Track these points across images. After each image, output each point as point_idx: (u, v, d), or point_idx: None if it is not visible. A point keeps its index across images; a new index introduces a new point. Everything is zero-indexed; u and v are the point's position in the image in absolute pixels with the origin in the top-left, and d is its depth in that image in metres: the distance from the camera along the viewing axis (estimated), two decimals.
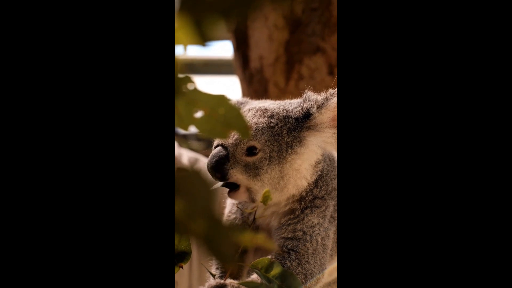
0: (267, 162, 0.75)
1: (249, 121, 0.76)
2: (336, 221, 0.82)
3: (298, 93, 1.44)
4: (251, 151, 0.75)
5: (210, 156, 0.75)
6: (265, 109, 0.78)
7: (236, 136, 0.75)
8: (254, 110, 0.79)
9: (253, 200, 0.77)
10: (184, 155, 1.56)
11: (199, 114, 0.57)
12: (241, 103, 0.85)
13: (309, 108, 0.77)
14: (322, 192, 0.81)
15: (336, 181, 0.83)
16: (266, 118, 0.77)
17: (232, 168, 0.74)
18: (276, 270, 0.70)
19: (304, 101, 0.78)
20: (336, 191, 0.83)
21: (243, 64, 1.49)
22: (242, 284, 0.70)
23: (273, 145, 0.76)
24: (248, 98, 0.89)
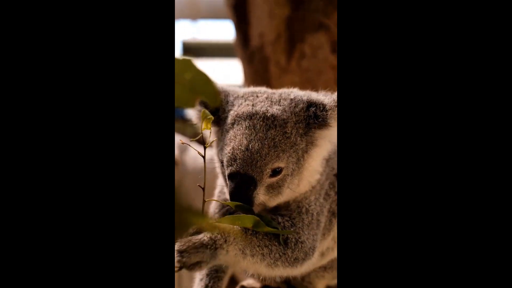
0: (289, 178, 0.71)
1: (263, 138, 0.68)
2: (331, 199, 0.79)
3: (300, 73, 1.39)
4: (276, 172, 0.69)
5: (232, 188, 0.68)
6: (273, 116, 0.70)
7: (259, 162, 0.67)
8: (259, 118, 0.70)
9: (261, 206, 0.73)
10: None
11: None
12: (226, 91, 0.78)
13: (326, 119, 0.71)
14: (322, 179, 0.78)
15: (332, 160, 0.80)
16: (279, 129, 0.69)
17: (257, 194, 0.69)
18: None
19: (317, 107, 0.71)
20: (333, 170, 0.80)
21: (243, 43, 1.44)
22: (219, 221, 0.65)
23: (293, 158, 0.70)
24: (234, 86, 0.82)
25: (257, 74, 1.41)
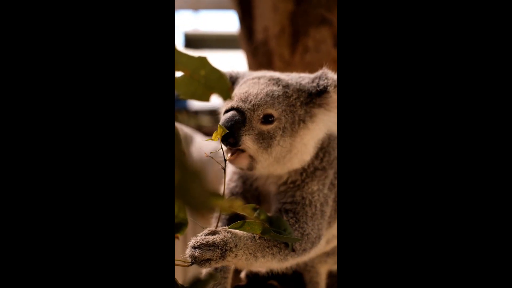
0: (280, 133, 0.73)
1: (262, 88, 0.74)
2: (336, 189, 0.82)
3: (303, 66, 1.43)
4: (267, 119, 0.73)
5: (224, 119, 0.71)
6: (278, 78, 0.77)
7: (253, 102, 0.72)
8: (265, 78, 0.76)
9: (251, 169, 0.76)
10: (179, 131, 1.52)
11: (180, 76, 0.57)
12: (237, 73, 0.84)
13: (327, 86, 0.76)
14: (324, 164, 0.81)
15: (336, 151, 0.83)
16: (281, 87, 0.75)
17: (246, 135, 0.72)
18: (263, 216, 0.68)
19: (320, 78, 0.77)
20: (336, 161, 0.83)
21: (248, 36, 1.47)
22: (231, 227, 0.69)
23: (288, 116, 0.74)
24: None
25: (261, 67, 1.44)
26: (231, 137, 0.70)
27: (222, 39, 3.46)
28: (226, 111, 0.73)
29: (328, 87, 0.75)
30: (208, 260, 0.66)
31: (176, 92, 0.57)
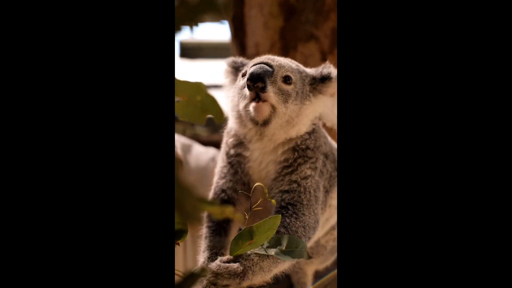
0: (294, 95, 0.85)
1: (283, 61, 0.86)
2: (324, 176, 0.91)
3: None
4: (287, 80, 0.84)
5: (255, 67, 0.82)
6: (290, 59, 0.90)
7: (278, 62, 0.85)
8: (278, 58, 0.89)
9: (268, 121, 0.84)
10: (177, 142, 1.57)
11: (178, 101, 0.65)
12: (246, 60, 0.95)
13: (329, 73, 0.89)
14: (312, 144, 0.90)
15: (323, 139, 0.93)
16: (294, 64, 0.89)
17: (271, 84, 0.82)
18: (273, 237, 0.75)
19: (324, 67, 0.91)
20: (323, 147, 0.92)
21: (240, 51, 1.55)
22: (244, 250, 0.75)
23: (300, 85, 0.87)
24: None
25: None
26: (260, 81, 0.80)
27: (218, 47, 3.51)
28: (254, 65, 0.84)
29: (331, 74, 0.88)
30: (226, 286, 0.74)
31: (175, 115, 0.64)
